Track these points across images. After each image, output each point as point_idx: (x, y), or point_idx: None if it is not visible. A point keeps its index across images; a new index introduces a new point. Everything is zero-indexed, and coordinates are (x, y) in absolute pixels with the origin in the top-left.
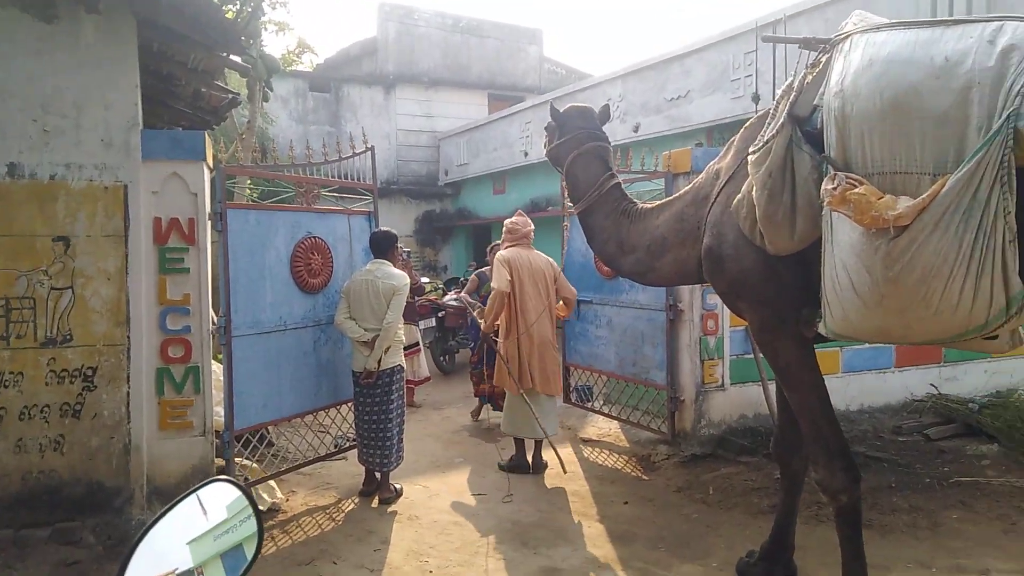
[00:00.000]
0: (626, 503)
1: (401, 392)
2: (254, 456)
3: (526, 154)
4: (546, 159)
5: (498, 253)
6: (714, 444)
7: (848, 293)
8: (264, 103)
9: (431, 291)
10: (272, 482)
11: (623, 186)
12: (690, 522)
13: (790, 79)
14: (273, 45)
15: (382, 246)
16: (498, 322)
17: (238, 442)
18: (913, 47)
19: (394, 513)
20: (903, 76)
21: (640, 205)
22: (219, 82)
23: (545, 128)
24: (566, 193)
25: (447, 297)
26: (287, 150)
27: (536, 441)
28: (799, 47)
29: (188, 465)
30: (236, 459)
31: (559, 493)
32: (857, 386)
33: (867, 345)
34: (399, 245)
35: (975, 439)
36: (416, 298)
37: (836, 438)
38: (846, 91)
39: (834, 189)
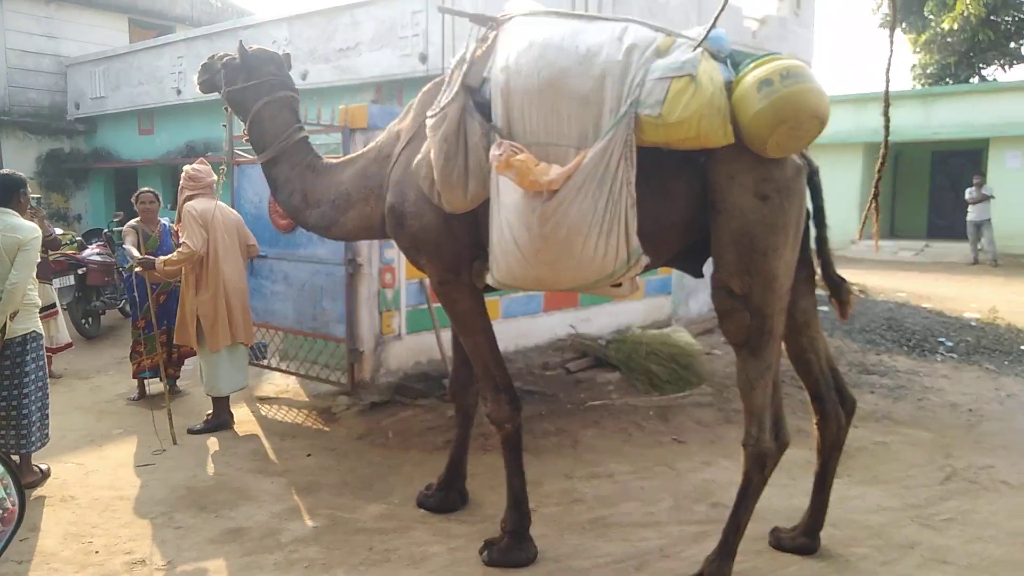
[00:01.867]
0: (309, 455)
1: (40, 362)
2: None
3: (179, 92)
4: (203, 97)
5: (187, 206)
6: (392, 391)
7: (511, 247)
8: None
9: (67, 244)
10: None
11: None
12: (372, 465)
13: (463, 51)
14: None
15: (2, 192)
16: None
17: None
18: (563, 35)
19: (42, 497)
20: (556, 60)
21: (325, 159)
22: None
23: (203, 64)
24: (246, 139)
25: (87, 251)
26: None
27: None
28: (469, 20)
29: None
30: None
31: (237, 454)
32: (514, 329)
33: (521, 293)
34: (26, 190)
35: (604, 369)
36: (49, 252)
37: (502, 375)
38: (510, 68)
39: (500, 155)
